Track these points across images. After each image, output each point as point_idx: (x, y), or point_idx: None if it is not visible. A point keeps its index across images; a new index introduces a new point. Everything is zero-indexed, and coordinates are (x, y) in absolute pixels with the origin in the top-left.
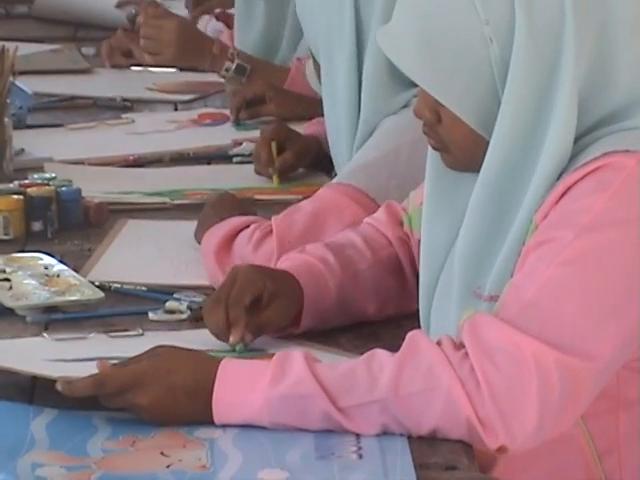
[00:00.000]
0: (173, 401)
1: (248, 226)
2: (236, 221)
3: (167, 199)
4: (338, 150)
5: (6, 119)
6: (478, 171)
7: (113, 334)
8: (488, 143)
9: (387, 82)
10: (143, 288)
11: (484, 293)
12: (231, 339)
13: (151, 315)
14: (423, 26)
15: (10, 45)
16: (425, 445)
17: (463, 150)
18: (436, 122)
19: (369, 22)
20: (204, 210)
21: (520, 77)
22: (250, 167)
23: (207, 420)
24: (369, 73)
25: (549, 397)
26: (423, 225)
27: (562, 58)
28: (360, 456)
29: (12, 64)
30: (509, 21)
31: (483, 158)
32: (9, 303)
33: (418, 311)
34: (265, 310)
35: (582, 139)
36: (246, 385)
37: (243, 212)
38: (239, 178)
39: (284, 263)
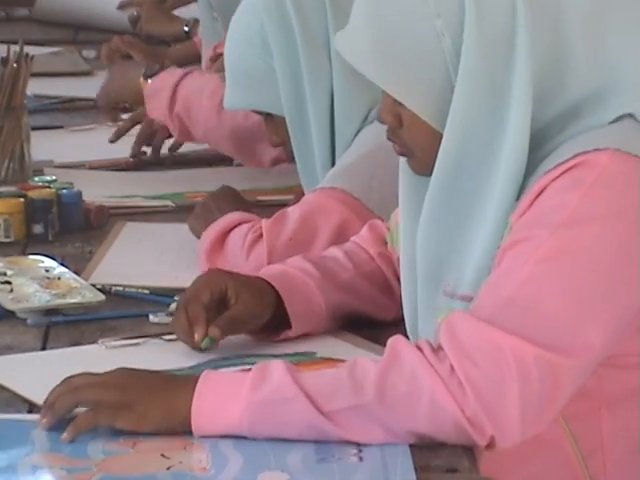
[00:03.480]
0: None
1: (240, 224)
2: (228, 219)
3: (168, 202)
4: (308, 169)
5: (24, 119)
6: None
7: (167, 337)
8: None
9: (357, 84)
10: (145, 291)
11: (457, 292)
12: (195, 336)
13: (152, 318)
14: (377, 25)
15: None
16: (426, 448)
17: (426, 151)
18: (398, 126)
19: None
20: (204, 202)
21: (471, 70)
22: (250, 169)
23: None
24: (339, 83)
25: (530, 392)
26: (401, 237)
27: (515, 48)
28: (360, 459)
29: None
30: (460, 14)
31: None
32: (10, 306)
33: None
34: (234, 305)
35: (551, 140)
36: (225, 394)
37: (243, 206)
38: (240, 180)
39: (260, 272)
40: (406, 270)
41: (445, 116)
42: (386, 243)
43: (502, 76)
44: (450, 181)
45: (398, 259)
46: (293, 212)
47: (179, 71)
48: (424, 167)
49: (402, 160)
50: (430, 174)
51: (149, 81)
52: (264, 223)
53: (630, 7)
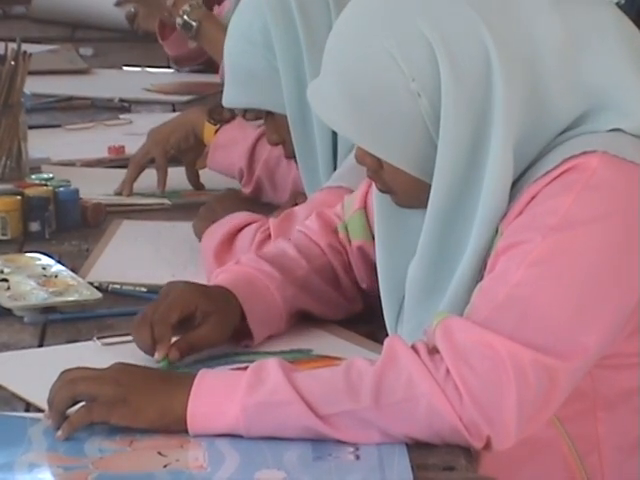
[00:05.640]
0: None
1: (249, 224)
2: (236, 220)
3: (165, 200)
4: (309, 168)
5: (21, 118)
6: (425, 207)
7: None
8: (431, 185)
9: None
10: (142, 288)
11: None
12: (155, 356)
13: None
14: (350, 86)
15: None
16: (423, 446)
17: (408, 193)
18: (378, 168)
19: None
20: (209, 204)
21: (452, 127)
22: None
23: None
24: None
25: (527, 395)
26: (378, 263)
27: (492, 101)
28: (357, 457)
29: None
30: (434, 75)
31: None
32: (7, 303)
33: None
34: (198, 329)
35: (540, 150)
36: (221, 396)
37: (248, 209)
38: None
39: (220, 276)
40: (387, 298)
41: (426, 165)
42: (336, 232)
43: (481, 127)
44: (439, 232)
45: (357, 248)
46: (300, 211)
47: (253, 129)
48: (406, 203)
49: (377, 192)
50: (411, 207)
51: (216, 127)
52: (272, 222)
53: (600, 28)
